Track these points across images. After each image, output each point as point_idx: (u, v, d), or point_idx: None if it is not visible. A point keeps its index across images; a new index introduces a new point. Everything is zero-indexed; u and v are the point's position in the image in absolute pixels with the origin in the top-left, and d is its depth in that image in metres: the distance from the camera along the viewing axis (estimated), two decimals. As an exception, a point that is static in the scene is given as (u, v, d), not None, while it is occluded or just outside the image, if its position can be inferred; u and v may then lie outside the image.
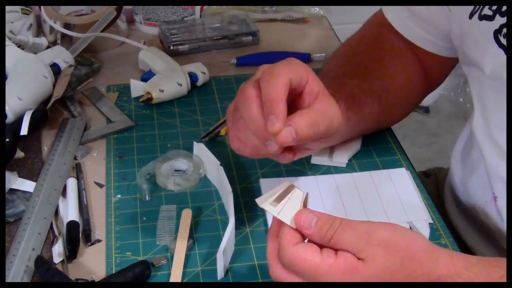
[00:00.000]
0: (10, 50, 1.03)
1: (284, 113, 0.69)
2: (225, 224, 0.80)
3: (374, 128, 0.95)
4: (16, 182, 0.88)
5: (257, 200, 0.66)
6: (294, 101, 0.74)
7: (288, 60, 0.73)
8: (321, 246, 0.63)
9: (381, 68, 0.93)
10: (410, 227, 0.82)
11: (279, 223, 0.65)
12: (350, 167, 0.92)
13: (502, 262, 0.64)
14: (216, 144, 0.96)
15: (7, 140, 0.91)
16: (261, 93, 0.70)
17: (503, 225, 0.84)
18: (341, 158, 0.91)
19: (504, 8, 0.76)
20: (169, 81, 1.06)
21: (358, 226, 0.62)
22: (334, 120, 0.74)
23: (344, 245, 0.61)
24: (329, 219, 0.63)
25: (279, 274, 0.64)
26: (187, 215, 0.82)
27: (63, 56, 1.08)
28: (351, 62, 0.94)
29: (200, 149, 0.91)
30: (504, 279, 0.62)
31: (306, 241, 0.65)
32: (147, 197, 0.86)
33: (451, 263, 0.63)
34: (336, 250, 0.62)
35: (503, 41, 0.76)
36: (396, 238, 0.62)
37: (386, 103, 0.91)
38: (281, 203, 0.65)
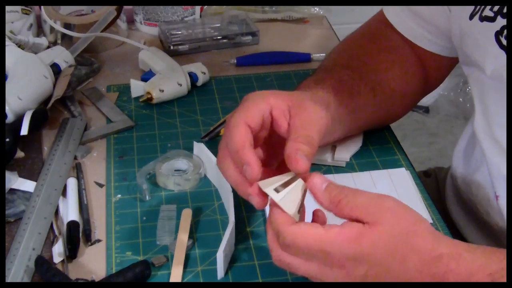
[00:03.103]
0: (10, 50, 1.03)
1: (253, 159, 0.68)
2: (225, 224, 0.80)
3: (373, 123, 0.95)
4: (16, 182, 0.88)
5: (260, 183, 0.67)
6: (272, 130, 0.74)
7: (244, 104, 0.73)
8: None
9: (376, 62, 0.93)
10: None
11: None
12: (350, 167, 0.92)
13: (503, 252, 0.64)
14: (216, 144, 0.94)
15: (7, 140, 0.91)
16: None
17: (505, 224, 0.84)
18: (342, 156, 0.91)
19: (506, 9, 0.76)
20: (169, 81, 1.05)
21: (369, 193, 0.65)
22: (315, 127, 0.74)
23: (356, 208, 0.63)
24: (339, 186, 0.65)
25: (281, 255, 0.65)
26: (187, 215, 0.82)
27: (63, 56, 1.08)
28: (345, 54, 0.95)
29: (200, 149, 0.91)
30: (503, 273, 0.62)
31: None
32: (147, 197, 0.86)
33: (453, 245, 0.64)
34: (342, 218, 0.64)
35: (505, 42, 0.76)
36: (404, 210, 0.64)
37: (381, 96, 0.91)
38: (284, 190, 0.66)
